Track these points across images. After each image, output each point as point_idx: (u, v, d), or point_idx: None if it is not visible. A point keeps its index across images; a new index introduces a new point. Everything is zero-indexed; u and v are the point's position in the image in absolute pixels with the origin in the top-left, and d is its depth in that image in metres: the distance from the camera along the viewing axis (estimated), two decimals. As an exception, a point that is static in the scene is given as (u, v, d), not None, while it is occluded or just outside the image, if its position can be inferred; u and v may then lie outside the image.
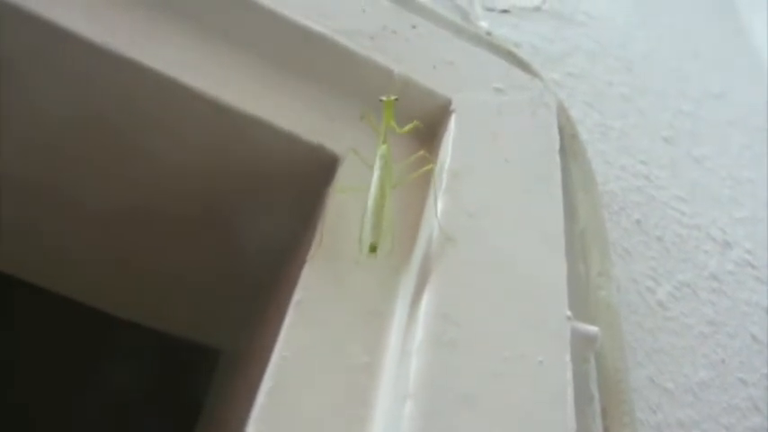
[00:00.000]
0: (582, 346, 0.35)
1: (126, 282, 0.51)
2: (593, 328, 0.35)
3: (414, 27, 0.41)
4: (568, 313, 0.33)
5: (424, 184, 0.37)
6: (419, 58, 0.40)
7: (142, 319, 0.53)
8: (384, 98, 0.34)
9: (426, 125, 0.39)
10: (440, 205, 0.34)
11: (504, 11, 0.54)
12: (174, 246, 0.47)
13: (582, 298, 0.39)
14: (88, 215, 0.45)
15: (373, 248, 0.30)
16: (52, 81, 0.36)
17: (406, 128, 0.35)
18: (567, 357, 0.31)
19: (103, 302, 0.53)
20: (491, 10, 0.53)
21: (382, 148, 0.34)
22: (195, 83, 0.35)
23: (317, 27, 0.37)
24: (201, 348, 0.58)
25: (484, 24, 0.50)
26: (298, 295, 0.30)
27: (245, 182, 0.39)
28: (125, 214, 0.45)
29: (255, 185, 0.39)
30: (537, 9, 0.58)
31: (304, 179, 0.37)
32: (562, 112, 0.46)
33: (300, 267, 0.31)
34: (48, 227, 0.46)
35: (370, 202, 0.32)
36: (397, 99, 0.34)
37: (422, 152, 0.36)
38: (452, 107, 0.39)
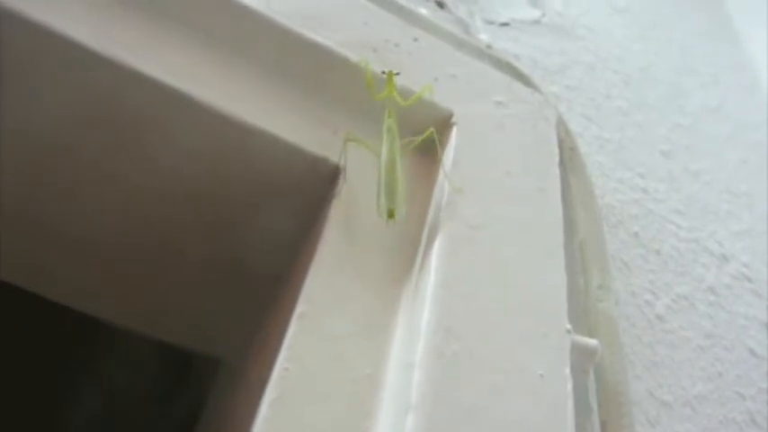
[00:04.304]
0: (582, 359, 0.35)
1: (125, 290, 0.51)
2: (593, 341, 0.35)
3: (416, 40, 0.42)
4: (568, 326, 0.33)
5: (423, 195, 0.37)
6: (421, 70, 0.40)
7: (140, 327, 0.53)
8: (386, 71, 0.35)
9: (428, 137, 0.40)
10: (441, 217, 0.34)
11: (504, 24, 0.55)
12: (173, 254, 0.47)
13: (582, 311, 0.39)
14: (89, 221, 0.45)
15: (391, 214, 0.33)
16: (50, 87, 0.36)
17: (411, 99, 0.36)
18: (567, 370, 0.31)
19: (101, 310, 0.52)
20: (491, 23, 0.53)
21: (388, 122, 0.34)
22: (197, 93, 0.34)
23: (319, 39, 0.38)
24: (200, 357, 0.58)
25: (484, 37, 0.50)
26: (300, 307, 0.30)
27: (247, 193, 0.39)
28: (124, 222, 0.45)
29: (257, 197, 0.39)
30: (536, 22, 0.58)
31: (307, 191, 0.37)
32: (561, 126, 0.46)
33: (303, 279, 0.31)
34: (46, 229, 0.46)
35: (383, 174, 0.33)
36: (398, 73, 0.36)
37: (431, 129, 0.36)
38: (454, 120, 0.39)
